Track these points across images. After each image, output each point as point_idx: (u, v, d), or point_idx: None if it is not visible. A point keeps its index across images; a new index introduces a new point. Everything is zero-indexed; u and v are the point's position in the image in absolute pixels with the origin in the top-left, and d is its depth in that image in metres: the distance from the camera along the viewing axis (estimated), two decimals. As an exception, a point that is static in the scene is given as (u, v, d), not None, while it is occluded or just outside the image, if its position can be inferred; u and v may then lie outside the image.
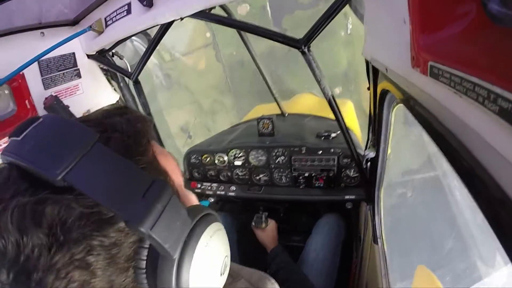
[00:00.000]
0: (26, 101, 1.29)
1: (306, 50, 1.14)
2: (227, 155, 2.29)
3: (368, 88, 1.38)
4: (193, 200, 0.61)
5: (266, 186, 2.32)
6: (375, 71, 1.21)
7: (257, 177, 2.32)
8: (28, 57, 1.17)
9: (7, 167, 0.43)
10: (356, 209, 2.19)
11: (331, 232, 2.05)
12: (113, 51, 1.59)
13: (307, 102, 3.77)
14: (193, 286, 0.45)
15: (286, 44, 1.16)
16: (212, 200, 2.37)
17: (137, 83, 1.60)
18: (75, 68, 1.49)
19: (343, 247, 2.09)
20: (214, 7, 1.19)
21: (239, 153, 2.27)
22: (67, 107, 1.37)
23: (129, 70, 1.62)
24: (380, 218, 1.78)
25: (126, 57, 1.71)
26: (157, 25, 1.29)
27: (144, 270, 0.44)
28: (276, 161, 2.21)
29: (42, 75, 1.34)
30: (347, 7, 1.13)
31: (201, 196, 2.43)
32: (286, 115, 2.93)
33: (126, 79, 1.62)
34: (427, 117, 0.63)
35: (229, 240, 0.57)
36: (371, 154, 1.59)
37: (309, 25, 1.10)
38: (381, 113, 1.30)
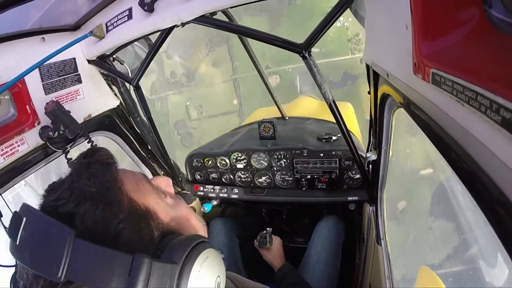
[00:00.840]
0: (27, 106, 1.29)
1: (306, 54, 1.14)
2: (229, 158, 2.29)
3: (369, 93, 1.38)
4: (185, 214, 0.68)
5: (269, 189, 2.32)
6: (376, 75, 1.21)
7: (260, 180, 2.32)
8: (29, 62, 1.17)
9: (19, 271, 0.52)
10: (359, 211, 2.19)
11: (330, 234, 2.05)
12: (114, 56, 1.59)
13: (307, 105, 3.77)
14: None
15: (287, 49, 1.16)
16: (215, 202, 2.37)
17: (137, 88, 1.60)
18: (76, 73, 1.49)
19: (345, 248, 2.09)
20: (215, 13, 1.20)
21: (241, 156, 2.27)
22: (68, 112, 1.37)
23: (130, 75, 1.62)
24: (384, 219, 1.78)
25: (127, 62, 1.72)
26: (158, 30, 1.29)
27: None
28: (278, 164, 2.21)
29: (42, 80, 1.34)
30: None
31: (203, 198, 2.43)
32: (287, 118, 2.94)
33: (127, 84, 1.62)
34: (428, 123, 0.62)
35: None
36: (373, 157, 1.59)
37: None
38: (381, 116, 1.30)
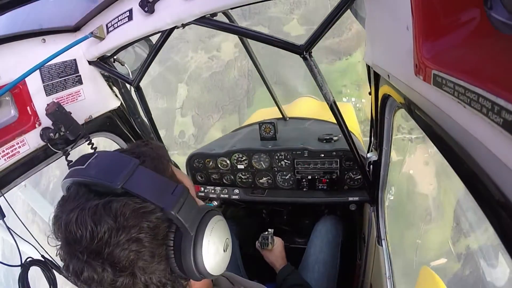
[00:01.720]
0: (28, 108, 1.29)
1: (307, 56, 1.14)
2: (230, 159, 2.29)
3: (370, 93, 1.38)
4: (201, 203, 0.80)
5: (270, 189, 2.32)
6: (376, 76, 1.21)
7: (260, 180, 2.32)
8: (30, 63, 1.18)
9: (74, 186, 0.65)
10: (360, 211, 2.19)
11: (328, 234, 2.06)
12: (115, 57, 1.59)
13: (308, 106, 3.78)
14: (205, 255, 0.67)
15: (288, 50, 1.16)
16: (216, 203, 2.37)
17: (138, 89, 1.60)
18: (77, 74, 1.49)
19: (345, 248, 2.09)
20: (216, 14, 1.20)
21: (242, 157, 2.27)
22: (69, 113, 1.37)
23: (131, 76, 1.62)
24: (384, 219, 1.78)
25: (128, 63, 1.72)
26: (159, 31, 1.29)
27: (172, 245, 0.65)
28: (279, 165, 2.21)
29: (43, 82, 1.34)
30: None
31: (204, 199, 2.43)
32: (287, 119, 2.93)
33: (128, 85, 1.62)
34: (429, 124, 0.62)
35: (233, 248, 0.78)
36: (374, 157, 1.59)
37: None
38: (382, 117, 1.30)
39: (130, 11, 1.29)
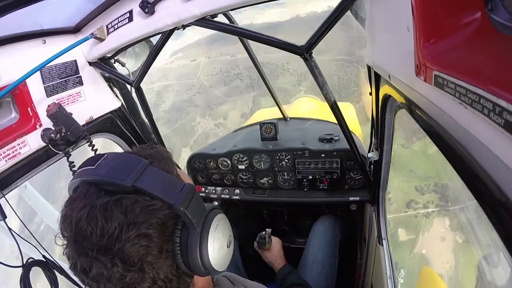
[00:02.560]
0: (28, 109, 1.29)
1: (308, 56, 1.14)
2: (231, 159, 2.29)
3: (370, 94, 1.38)
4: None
5: (270, 189, 2.32)
6: (377, 76, 1.21)
7: (261, 181, 2.32)
8: (30, 65, 1.18)
9: (84, 186, 0.66)
10: (361, 211, 2.19)
11: (326, 233, 2.06)
12: (115, 58, 1.59)
13: (308, 106, 3.78)
14: (211, 250, 0.70)
15: (288, 50, 1.16)
16: (217, 204, 2.37)
17: (138, 90, 1.60)
18: (77, 75, 1.49)
19: (344, 247, 2.09)
20: (216, 15, 1.20)
21: (243, 157, 2.27)
22: (70, 114, 1.37)
23: (131, 77, 1.62)
24: (385, 219, 1.78)
25: (128, 63, 1.72)
26: (159, 33, 1.29)
27: (178, 241, 0.68)
28: (280, 165, 2.21)
29: (44, 83, 1.34)
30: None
31: (205, 200, 2.43)
32: (288, 119, 2.93)
33: (128, 85, 1.63)
34: (431, 124, 0.62)
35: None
36: (374, 157, 1.59)
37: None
38: (383, 117, 1.30)
39: (130, 12, 1.29)
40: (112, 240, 0.60)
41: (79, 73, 1.49)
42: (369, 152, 1.70)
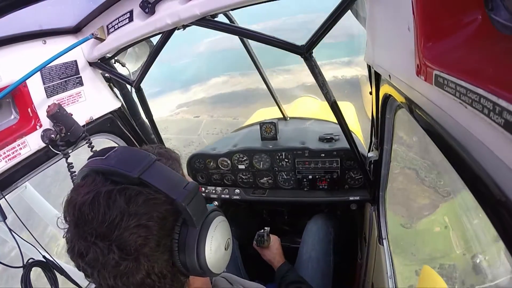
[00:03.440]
0: (29, 109, 1.29)
1: (308, 56, 1.14)
2: (231, 159, 2.30)
3: (370, 93, 1.38)
4: None
5: (271, 189, 2.32)
6: (377, 76, 1.21)
7: (261, 180, 2.32)
8: (30, 65, 1.18)
9: (92, 174, 0.67)
10: (361, 210, 2.19)
11: (319, 232, 2.07)
12: (115, 58, 1.59)
13: (308, 105, 3.78)
14: (208, 250, 0.70)
15: (289, 50, 1.16)
16: (217, 203, 2.37)
17: (139, 90, 1.60)
18: (77, 75, 1.49)
19: (338, 244, 2.10)
20: (216, 15, 1.20)
21: (243, 157, 2.27)
22: (70, 114, 1.37)
23: (131, 77, 1.62)
24: (385, 219, 1.78)
25: (128, 63, 1.72)
26: (159, 32, 1.29)
27: (177, 238, 0.68)
28: (280, 164, 2.21)
29: (44, 83, 1.34)
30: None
31: (205, 200, 2.42)
32: (288, 118, 2.94)
33: (128, 86, 1.63)
34: (431, 124, 0.62)
35: (232, 249, 0.80)
36: (375, 156, 1.59)
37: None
38: (383, 116, 1.30)
39: (131, 12, 1.29)
40: (112, 227, 0.61)
41: (79, 74, 1.49)
42: (369, 151, 1.70)
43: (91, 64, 1.54)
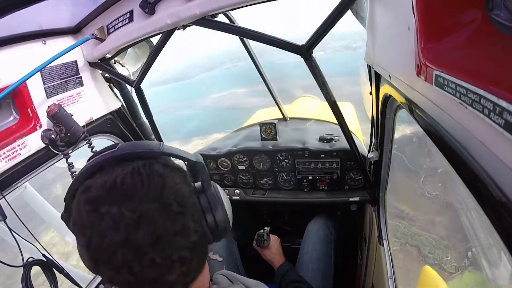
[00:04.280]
0: (29, 110, 1.29)
1: (308, 55, 1.14)
2: (231, 159, 2.29)
3: (371, 93, 1.37)
4: None
5: (271, 190, 2.32)
6: (377, 76, 1.21)
7: (261, 181, 2.32)
8: (30, 65, 1.18)
9: (113, 161, 0.66)
10: (361, 211, 2.19)
11: (320, 232, 2.07)
12: (115, 58, 1.59)
13: (308, 106, 3.77)
14: (226, 205, 0.76)
15: (289, 50, 1.16)
16: None
17: (139, 90, 1.60)
18: (77, 76, 1.49)
19: (339, 245, 2.09)
20: (216, 15, 1.20)
21: (243, 158, 2.27)
22: (70, 115, 1.37)
23: (131, 77, 1.62)
24: (385, 219, 1.78)
25: (128, 64, 1.72)
26: (159, 33, 1.29)
27: (197, 197, 0.72)
28: (280, 165, 2.21)
29: (44, 84, 1.34)
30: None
31: None
32: (288, 119, 2.93)
33: (128, 86, 1.63)
34: (431, 124, 0.62)
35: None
36: (374, 157, 1.59)
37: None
38: (383, 116, 1.30)
39: (131, 12, 1.29)
40: (158, 188, 0.63)
41: (79, 74, 1.49)
42: (369, 152, 1.70)
43: (91, 64, 1.54)
